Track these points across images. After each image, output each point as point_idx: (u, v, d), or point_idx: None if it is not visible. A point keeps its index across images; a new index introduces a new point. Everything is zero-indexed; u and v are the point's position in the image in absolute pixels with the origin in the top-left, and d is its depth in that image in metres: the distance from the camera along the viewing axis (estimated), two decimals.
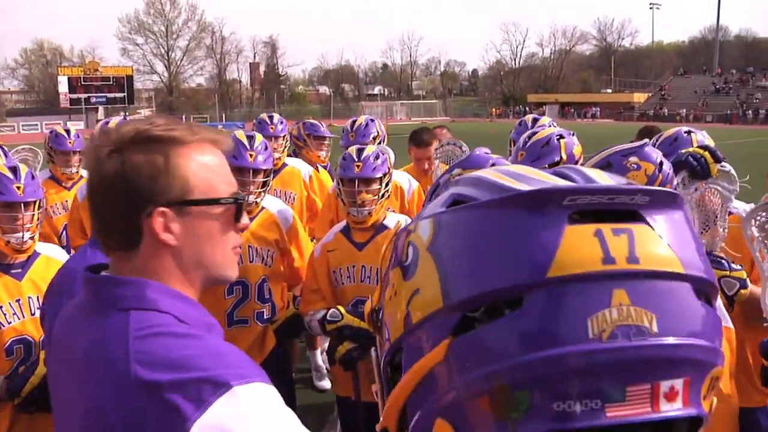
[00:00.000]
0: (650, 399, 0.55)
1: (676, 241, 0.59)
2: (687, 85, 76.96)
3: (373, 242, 3.47)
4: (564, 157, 2.99)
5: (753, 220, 2.28)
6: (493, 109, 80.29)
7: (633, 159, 2.05)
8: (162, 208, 1.22)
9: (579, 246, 0.57)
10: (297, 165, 5.42)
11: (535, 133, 3.20)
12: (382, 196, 3.48)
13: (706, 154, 2.48)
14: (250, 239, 3.55)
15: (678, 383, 0.56)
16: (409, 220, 3.92)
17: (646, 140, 2.38)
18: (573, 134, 3.17)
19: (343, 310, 3.31)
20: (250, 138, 3.60)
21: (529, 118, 4.12)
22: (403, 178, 4.75)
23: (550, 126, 3.63)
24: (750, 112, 61.96)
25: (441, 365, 0.60)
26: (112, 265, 1.29)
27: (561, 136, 3.09)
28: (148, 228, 1.23)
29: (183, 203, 1.24)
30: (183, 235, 1.25)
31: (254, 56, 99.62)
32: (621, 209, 0.59)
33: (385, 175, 3.50)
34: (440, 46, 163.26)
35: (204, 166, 1.26)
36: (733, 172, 2.51)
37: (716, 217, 2.49)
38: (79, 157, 5.22)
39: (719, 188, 2.49)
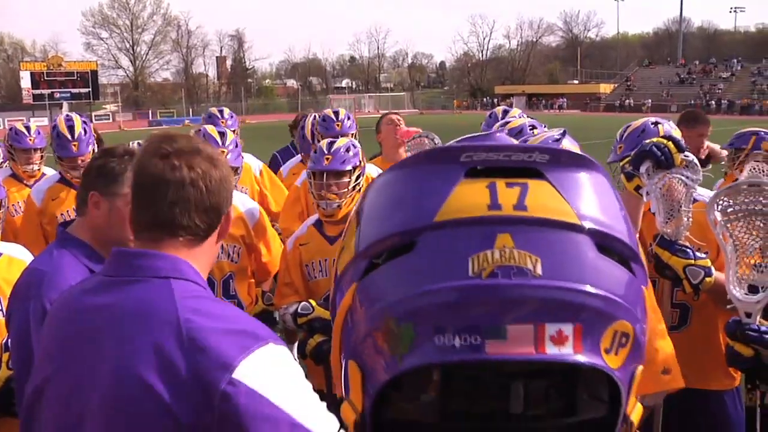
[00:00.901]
0: (534, 340, 0.56)
1: (577, 197, 0.60)
2: (652, 75, 78.03)
3: None
4: None
5: (716, 205, 2.32)
6: (455, 101, 79.65)
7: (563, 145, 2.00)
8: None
9: (469, 195, 0.59)
10: (247, 160, 5.36)
11: (507, 123, 3.20)
12: (353, 188, 3.44)
13: (670, 143, 2.50)
14: None
15: (567, 328, 0.56)
16: None
17: (565, 129, 2.40)
18: (545, 127, 3.17)
19: (314, 303, 3.29)
20: (222, 135, 3.57)
21: (499, 109, 4.13)
22: (373, 170, 4.74)
23: (521, 117, 3.64)
24: (713, 102, 62.93)
25: (351, 309, 0.63)
26: (163, 249, 1.50)
27: (533, 127, 3.10)
28: (225, 221, 1.58)
29: None
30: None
31: (221, 50, 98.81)
32: (524, 167, 0.60)
33: (356, 167, 3.47)
34: (407, 39, 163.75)
35: None
36: (696, 161, 2.54)
37: (681, 206, 2.52)
38: (41, 154, 5.11)
39: (683, 177, 2.51)
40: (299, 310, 3.28)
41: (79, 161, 4.44)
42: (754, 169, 2.99)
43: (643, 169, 2.54)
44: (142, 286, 1.43)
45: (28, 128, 5.10)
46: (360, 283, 0.63)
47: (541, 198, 0.59)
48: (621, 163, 2.76)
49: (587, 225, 0.59)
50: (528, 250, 0.57)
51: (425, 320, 0.57)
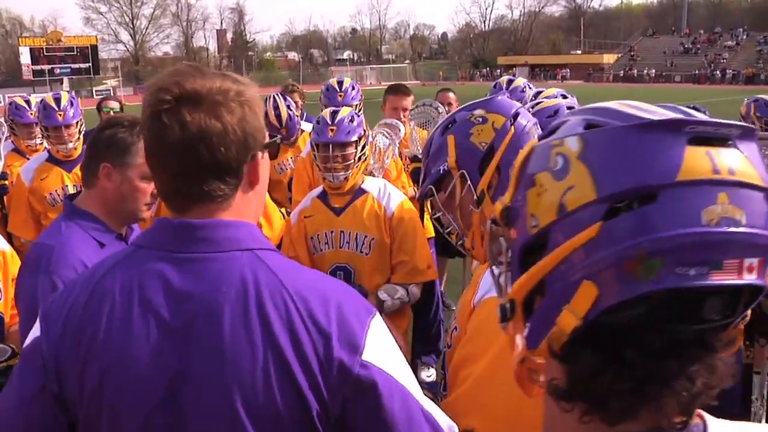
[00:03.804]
0: (738, 270, 0.77)
1: (755, 163, 0.81)
2: (656, 45, 77.34)
3: (352, 207, 3.40)
4: None
5: None
6: (441, 72, 78.20)
7: (478, 112, 1.84)
8: (260, 152, 1.33)
9: (696, 160, 0.79)
10: None
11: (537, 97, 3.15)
12: (359, 159, 3.40)
13: None
14: None
15: (755, 261, 0.78)
16: (387, 186, 3.74)
17: (502, 90, 2.27)
18: (524, 87, 3.11)
19: None
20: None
21: (503, 79, 4.09)
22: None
23: (525, 86, 3.61)
24: (718, 72, 62.50)
25: (592, 241, 0.80)
26: (198, 217, 1.31)
27: (523, 90, 3.05)
28: (249, 171, 1.32)
29: (264, 147, 1.36)
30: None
31: (221, 23, 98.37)
32: (719, 137, 0.81)
33: (360, 138, 3.42)
34: (409, 10, 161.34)
35: None
36: None
37: None
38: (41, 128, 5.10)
39: None
40: None
41: (66, 134, 4.44)
42: None
43: None
44: (229, 264, 1.26)
45: (28, 102, 5.08)
46: (607, 222, 0.79)
47: (742, 165, 0.80)
48: None
49: (765, 185, 0.80)
50: (737, 206, 0.77)
51: (672, 255, 0.76)
